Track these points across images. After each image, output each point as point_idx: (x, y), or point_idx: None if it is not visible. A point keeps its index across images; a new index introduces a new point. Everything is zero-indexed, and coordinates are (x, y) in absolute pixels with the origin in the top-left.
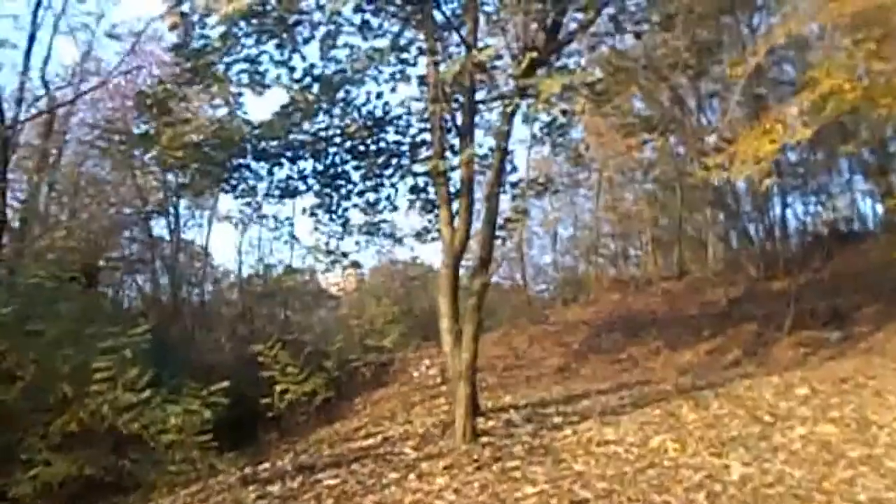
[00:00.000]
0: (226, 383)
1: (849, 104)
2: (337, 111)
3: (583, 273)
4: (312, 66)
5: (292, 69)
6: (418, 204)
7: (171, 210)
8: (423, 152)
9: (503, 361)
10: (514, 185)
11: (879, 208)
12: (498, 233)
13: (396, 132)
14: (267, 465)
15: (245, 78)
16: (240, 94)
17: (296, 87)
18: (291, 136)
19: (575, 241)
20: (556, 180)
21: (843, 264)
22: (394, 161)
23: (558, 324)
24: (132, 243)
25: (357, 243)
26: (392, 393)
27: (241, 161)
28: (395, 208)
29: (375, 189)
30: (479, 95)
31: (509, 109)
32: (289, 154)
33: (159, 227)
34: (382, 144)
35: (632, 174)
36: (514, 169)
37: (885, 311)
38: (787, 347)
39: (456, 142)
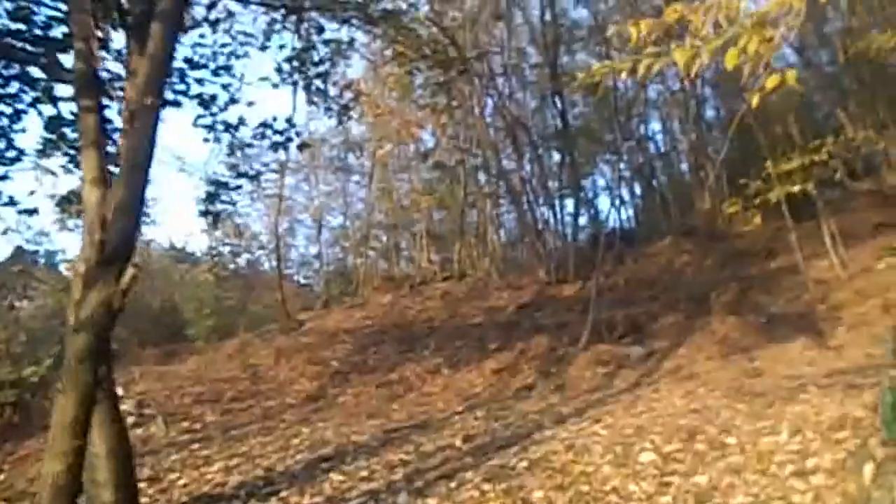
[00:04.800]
0: None
1: None
2: None
3: (352, 268)
4: None
5: None
6: (61, 150)
7: None
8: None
9: (234, 387)
10: (232, 127)
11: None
12: (210, 207)
13: (14, 17)
14: None
15: None
16: None
17: None
18: None
19: (344, 232)
20: (326, 156)
21: (634, 269)
22: (9, 69)
23: (316, 332)
24: None
25: None
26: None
27: None
28: (18, 155)
29: None
30: None
31: None
32: None
33: None
34: None
35: (408, 160)
36: (233, 100)
37: (683, 323)
38: (584, 366)
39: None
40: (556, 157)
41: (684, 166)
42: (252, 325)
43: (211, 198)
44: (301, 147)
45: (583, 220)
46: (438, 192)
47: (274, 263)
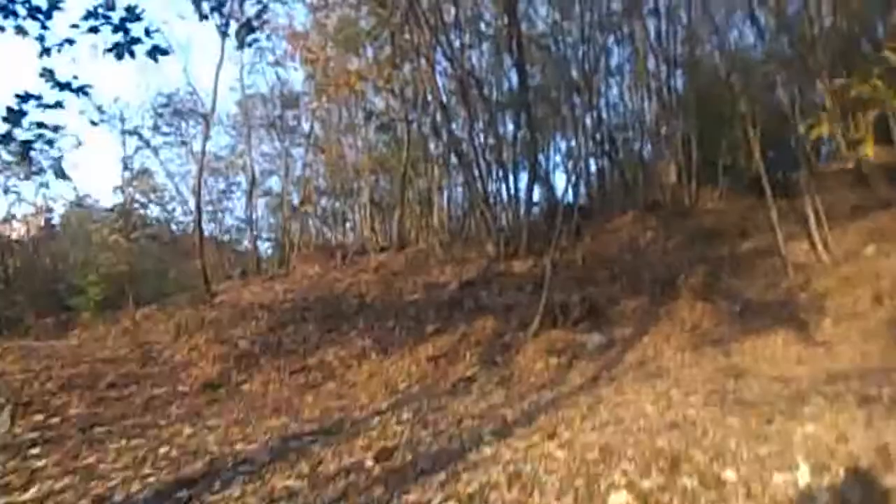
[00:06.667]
0: None
1: None
2: None
3: (290, 235)
4: None
5: None
6: None
7: None
8: None
9: (117, 369)
10: (39, 12)
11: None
12: (13, 130)
13: None
14: None
15: None
16: None
17: None
18: None
19: (282, 198)
20: (265, 116)
21: (593, 246)
22: None
23: (228, 306)
24: None
25: None
26: None
27: None
28: None
29: None
30: None
31: None
32: None
33: None
34: None
35: (353, 121)
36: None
37: (647, 308)
38: (535, 355)
39: None
40: (511, 126)
41: (648, 139)
42: (169, 294)
43: (14, 117)
44: (154, 54)
45: (537, 195)
46: (382, 154)
47: (208, 227)
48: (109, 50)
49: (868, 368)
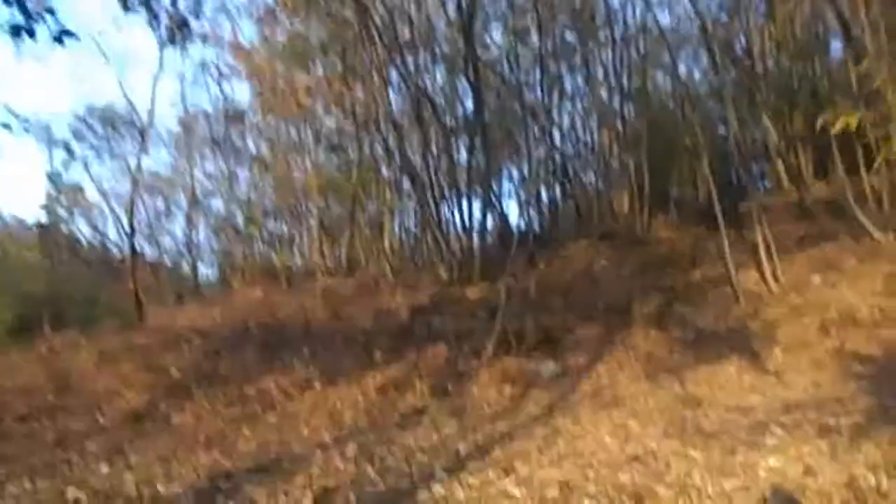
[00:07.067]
0: None
1: None
2: None
3: (232, 258)
4: None
5: None
6: None
7: None
8: None
9: (29, 401)
10: None
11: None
12: None
13: None
14: None
15: None
16: None
17: None
18: None
19: (226, 219)
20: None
21: (547, 273)
22: None
23: (159, 331)
24: None
25: None
26: None
27: None
28: None
29: None
30: None
31: None
32: None
33: None
34: None
35: (300, 138)
36: None
37: (601, 336)
38: (488, 383)
39: None
40: (465, 150)
41: (601, 167)
42: (97, 319)
43: None
44: (60, 38)
45: (490, 221)
46: (332, 175)
47: (145, 248)
48: (9, 32)
49: (821, 398)
